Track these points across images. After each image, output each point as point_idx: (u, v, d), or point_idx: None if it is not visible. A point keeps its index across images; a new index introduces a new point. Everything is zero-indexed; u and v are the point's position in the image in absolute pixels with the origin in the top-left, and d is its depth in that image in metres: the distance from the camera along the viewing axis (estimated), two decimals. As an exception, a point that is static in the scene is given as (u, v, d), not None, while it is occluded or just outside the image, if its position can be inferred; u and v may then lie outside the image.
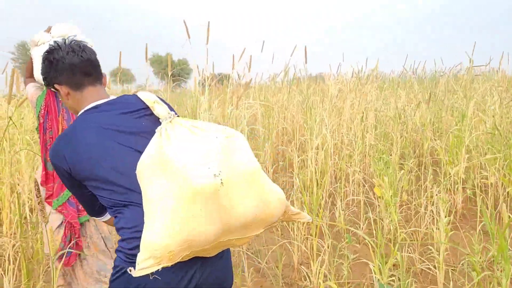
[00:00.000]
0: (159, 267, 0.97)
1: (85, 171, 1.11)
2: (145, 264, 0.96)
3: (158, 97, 1.19)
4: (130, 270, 0.97)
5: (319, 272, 2.30)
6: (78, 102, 1.23)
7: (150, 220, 0.98)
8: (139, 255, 0.97)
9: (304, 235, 2.87)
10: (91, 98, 1.23)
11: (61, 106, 2.07)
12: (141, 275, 0.96)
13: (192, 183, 0.98)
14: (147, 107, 1.18)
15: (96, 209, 1.30)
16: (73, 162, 1.11)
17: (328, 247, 2.38)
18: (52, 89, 1.27)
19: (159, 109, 1.13)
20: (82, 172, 1.11)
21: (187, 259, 1.04)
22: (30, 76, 2.14)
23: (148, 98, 1.17)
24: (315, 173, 3.21)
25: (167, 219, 0.96)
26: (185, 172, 0.99)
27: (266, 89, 6.40)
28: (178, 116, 1.12)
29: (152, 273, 0.98)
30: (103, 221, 1.38)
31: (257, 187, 1.07)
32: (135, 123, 1.15)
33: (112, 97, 1.26)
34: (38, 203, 1.68)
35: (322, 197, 3.44)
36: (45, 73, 1.25)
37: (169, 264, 0.98)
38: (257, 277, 2.69)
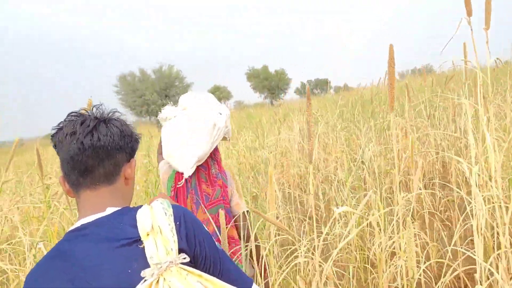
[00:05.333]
0: None
1: None
2: None
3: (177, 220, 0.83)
4: None
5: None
6: (78, 208, 0.88)
7: None
8: None
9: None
10: (84, 210, 0.86)
11: (189, 187, 1.78)
12: None
13: None
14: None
15: None
16: None
17: None
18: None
19: (148, 249, 0.77)
20: None
21: None
22: (161, 153, 1.89)
23: (143, 225, 0.79)
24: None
25: None
26: None
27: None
28: (177, 263, 0.76)
29: None
30: None
31: None
32: (123, 267, 0.77)
33: (110, 209, 0.85)
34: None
35: None
36: None
37: None
38: None
